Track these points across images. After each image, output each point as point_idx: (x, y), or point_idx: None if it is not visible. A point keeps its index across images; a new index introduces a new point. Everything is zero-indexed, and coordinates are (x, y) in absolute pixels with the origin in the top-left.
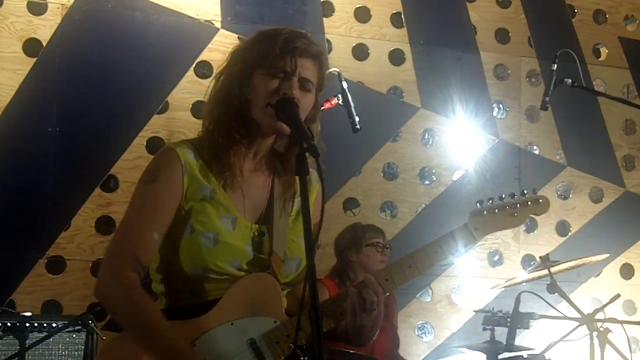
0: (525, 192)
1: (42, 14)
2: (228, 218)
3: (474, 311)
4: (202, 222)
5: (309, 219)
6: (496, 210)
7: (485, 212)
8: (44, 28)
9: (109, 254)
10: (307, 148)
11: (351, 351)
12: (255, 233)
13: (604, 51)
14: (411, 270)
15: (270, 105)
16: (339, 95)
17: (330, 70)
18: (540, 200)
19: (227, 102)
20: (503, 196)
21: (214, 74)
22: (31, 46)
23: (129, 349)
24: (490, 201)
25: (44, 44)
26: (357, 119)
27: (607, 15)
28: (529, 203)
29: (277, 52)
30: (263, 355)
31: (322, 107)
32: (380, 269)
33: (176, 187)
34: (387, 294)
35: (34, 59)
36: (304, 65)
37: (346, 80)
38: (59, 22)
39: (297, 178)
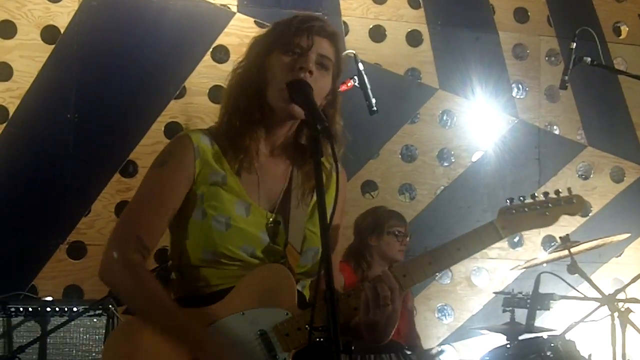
0: (560, 191)
1: (59, 1)
2: (242, 204)
3: (494, 293)
4: (214, 207)
5: (323, 201)
6: (526, 209)
7: (514, 211)
8: (62, 15)
9: (112, 235)
10: (320, 130)
11: None
12: (270, 221)
13: (624, 29)
14: (431, 267)
15: (286, 85)
16: (355, 77)
17: (346, 52)
18: (574, 200)
19: (245, 87)
20: (535, 194)
21: (232, 66)
22: (49, 33)
23: (136, 333)
24: (522, 199)
25: (62, 31)
26: (373, 101)
27: None
28: (562, 203)
29: (292, 30)
30: (273, 346)
31: (339, 90)
32: (399, 264)
33: (187, 171)
34: (405, 291)
35: (52, 46)
36: (320, 44)
37: (363, 62)
38: (76, 9)
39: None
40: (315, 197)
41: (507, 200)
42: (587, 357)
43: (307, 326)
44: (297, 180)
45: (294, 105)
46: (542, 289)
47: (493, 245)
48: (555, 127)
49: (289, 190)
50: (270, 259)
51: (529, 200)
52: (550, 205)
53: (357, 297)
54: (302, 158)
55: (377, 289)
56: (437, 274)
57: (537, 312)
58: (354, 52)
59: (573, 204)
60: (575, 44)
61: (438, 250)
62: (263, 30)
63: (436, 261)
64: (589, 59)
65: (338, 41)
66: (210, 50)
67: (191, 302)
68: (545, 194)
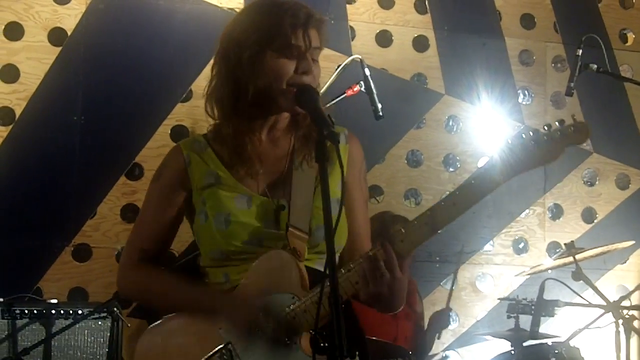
0: (564, 120)
1: (66, 3)
2: (242, 198)
3: (499, 299)
4: (213, 207)
5: (328, 202)
6: (533, 142)
7: (519, 146)
8: (69, 17)
9: (123, 253)
10: (327, 135)
11: (373, 338)
12: (273, 208)
13: (630, 36)
14: (428, 227)
15: (290, 85)
16: (361, 82)
17: (352, 57)
18: (580, 127)
19: (238, 92)
20: (537, 129)
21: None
22: (56, 35)
23: (161, 335)
24: (523, 134)
25: (69, 33)
26: (379, 106)
27: (634, 0)
28: (567, 132)
29: (286, 29)
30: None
31: (345, 94)
32: (396, 231)
33: (179, 180)
34: (406, 258)
35: (59, 48)
36: (313, 36)
37: (369, 67)
38: (83, 11)
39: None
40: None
41: (509, 140)
42: None
43: (311, 331)
44: (299, 157)
45: (295, 107)
46: (547, 296)
47: (498, 251)
48: None
49: (290, 171)
50: (277, 246)
51: (531, 135)
52: (557, 134)
53: (356, 271)
54: (298, 128)
55: (372, 260)
56: (438, 232)
57: (542, 318)
58: (361, 57)
59: (578, 132)
60: (581, 51)
61: (434, 208)
62: (239, 20)
63: (433, 220)
64: (595, 66)
65: (324, 25)
66: None
67: None
68: (548, 125)
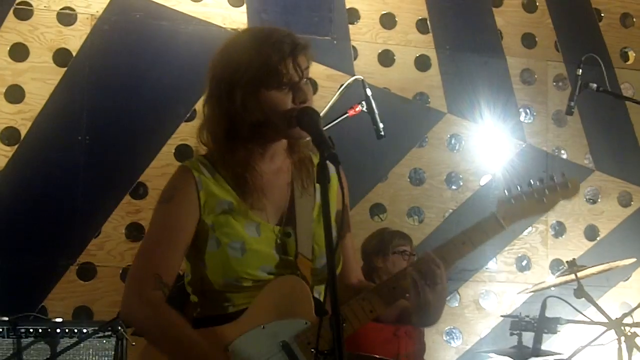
0: (554, 176)
1: (71, 25)
2: (251, 225)
3: (501, 316)
4: (227, 234)
5: (329, 224)
6: (524, 198)
7: (513, 200)
8: (74, 38)
9: (131, 276)
10: (328, 157)
11: (376, 356)
12: (279, 235)
13: (631, 55)
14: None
15: (292, 116)
16: (363, 102)
17: (354, 77)
18: (569, 184)
19: (235, 131)
20: (531, 182)
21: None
22: (61, 56)
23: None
24: (519, 187)
25: (74, 54)
26: (381, 125)
27: (634, 19)
28: (558, 188)
29: (276, 64)
30: (296, 356)
31: (346, 115)
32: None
33: (192, 204)
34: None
35: (64, 69)
36: (302, 63)
37: (371, 87)
38: (88, 32)
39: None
40: (318, 198)
41: (505, 191)
42: None
43: (312, 350)
44: (298, 184)
45: (296, 129)
46: (550, 313)
47: (501, 269)
48: (562, 151)
49: (292, 199)
50: (285, 273)
51: (526, 189)
52: (547, 191)
53: (402, 280)
54: (293, 154)
55: (425, 269)
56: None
57: (544, 335)
58: (362, 77)
59: (568, 188)
60: (581, 70)
61: (444, 246)
62: (227, 59)
63: (443, 258)
64: (594, 85)
65: (310, 48)
66: None
67: (212, 321)
68: (541, 180)
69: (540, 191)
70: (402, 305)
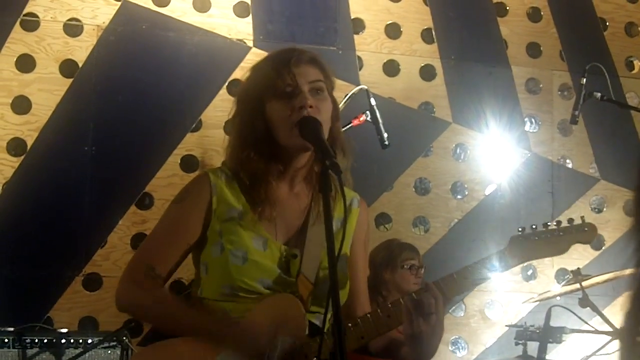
0: (573, 219)
1: (78, 36)
2: (259, 239)
3: (506, 326)
4: (232, 241)
5: (331, 235)
6: (537, 238)
7: (526, 240)
8: (80, 49)
9: (127, 266)
10: (329, 165)
11: None
12: (284, 254)
13: (636, 64)
14: (467, 282)
15: (294, 125)
16: (367, 112)
17: (358, 87)
18: (586, 228)
19: (255, 144)
20: (548, 223)
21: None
22: (67, 67)
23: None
24: (534, 227)
25: (80, 65)
26: (385, 135)
27: (639, 28)
28: (574, 231)
29: (274, 75)
30: None
31: (351, 124)
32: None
33: (203, 207)
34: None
35: (70, 80)
36: (303, 73)
37: (377, 97)
38: (94, 43)
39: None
40: (336, 228)
41: (519, 229)
42: None
43: (315, 358)
44: (314, 212)
45: (299, 137)
46: (555, 322)
47: (507, 278)
48: (568, 160)
49: (306, 224)
50: (285, 291)
51: (540, 229)
52: (561, 233)
53: (396, 310)
54: (316, 185)
55: (421, 299)
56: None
57: (549, 345)
58: (366, 87)
59: (585, 232)
60: (585, 80)
61: (445, 278)
62: (246, 79)
63: (442, 291)
64: (598, 94)
65: (320, 61)
66: (226, 84)
67: None
68: (558, 222)
69: (555, 233)
70: (391, 337)
